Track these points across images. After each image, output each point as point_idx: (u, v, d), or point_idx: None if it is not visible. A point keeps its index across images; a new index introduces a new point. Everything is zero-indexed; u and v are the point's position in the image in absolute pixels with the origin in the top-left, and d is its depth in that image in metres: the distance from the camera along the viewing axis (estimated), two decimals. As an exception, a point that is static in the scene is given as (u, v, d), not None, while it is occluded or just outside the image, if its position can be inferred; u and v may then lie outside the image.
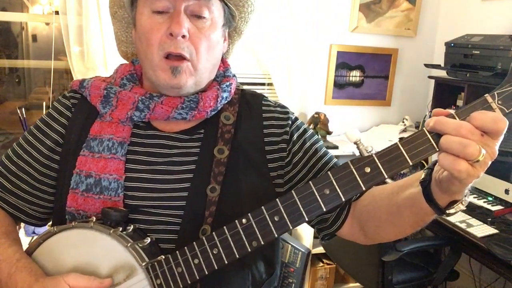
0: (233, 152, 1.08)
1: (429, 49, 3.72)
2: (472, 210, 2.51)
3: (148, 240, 0.98)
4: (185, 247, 0.93)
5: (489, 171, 2.55)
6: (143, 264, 0.94)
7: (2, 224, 1.11)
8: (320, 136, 3.23)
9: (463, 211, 2.43)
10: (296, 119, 1.18)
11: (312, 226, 1.15)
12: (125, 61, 1.23)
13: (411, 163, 0.78)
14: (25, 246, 1.08)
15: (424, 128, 0.77)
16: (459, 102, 3.24)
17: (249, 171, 1.09)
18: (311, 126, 3.30)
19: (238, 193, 1.06)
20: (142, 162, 1.07)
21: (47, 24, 3.45)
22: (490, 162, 0.75)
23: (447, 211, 0.84)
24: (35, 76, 3.59)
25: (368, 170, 0.81)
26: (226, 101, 1.13)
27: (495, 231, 2.26)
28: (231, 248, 0.90)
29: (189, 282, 0.93)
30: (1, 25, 3.41)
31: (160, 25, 1.01)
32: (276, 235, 0.88)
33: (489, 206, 2.51)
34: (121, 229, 0.97)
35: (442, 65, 3.16)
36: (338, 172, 0.83)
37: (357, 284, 3.08)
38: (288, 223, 0.87)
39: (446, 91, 3.25)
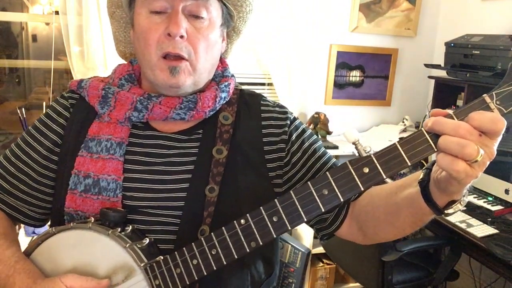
0: (231, 152, 1.08)
1: (429, 49, 3.72)
2: (472, 210, 2.51)
3: (146, 240, 0.97)
4: (184, 248, 0.93)
5: (489, 171, 2.54)
6: (142, 265, 0.94)
7: (0, 225, 1.11)
8: (320, 136, 3.25)
9: (463, 211, 2.43)
10: (295, 119, 1.18)
11: (311, 226, 1.14)
12: (124, 61, 1.23)
13: (409, 164, 0.78)
14: (25, 246, 1.08)
15: (422, 129, 0.77)
16: (459, 102, 3.24)
17: (248, 171, 1.09)
18: (311, 126, 3.30)
19: (236, 194, 1.06)
20: (141, 163, 1.07)
21: (47, 24, 3.45)
22: (488, 163, 0.75)
23: (446, 211, 0.83)
24: (35, 76, 3.59)
25: (366, 170, 0.81)
26: (224, 101, 1.13)
27: (495, 231, 2.26)
28: (230, 249, 0.90)
29: (187, 282, 0.93)
30: (1, 25, 3.42)
31: (158, 25, 1.01)
32: (274, 236, 0.88)
33: (489, 206, 2.51)
34: (119, 229, 0.97)
35: (442, 65, 3.16)
36: (337, 172, 0.83)
37: (357, 284, 3.08)
38: (287, 223, 0.87)
39: (446, 91, 3.25)
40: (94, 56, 2.83)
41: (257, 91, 1.25)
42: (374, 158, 0.80)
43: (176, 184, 1.05)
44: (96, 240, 0.97)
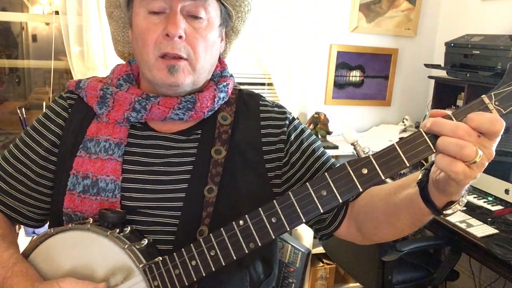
0: (230, 153, 1.08)
1: (429, 49, 3.71)
2: (472, 210, 2.50)
3: (145, 241, 0.97)
4: (182, 249, 0.93)
5: (489, 171, 2.54)
6: (141, 266, 0.94)
7: None
8: (320, 136, 3.25)
9: (463, 211, 2.43)
10: (294, 119, 1.17)
11: (310, 226, 1.14)
12: (122, 61, 1.23)
13: (408, 164, 0.77)
14: (25, 246, 1.08)
15: (421, 129, 0.77)
16: (459, 102, 3.24)
17: (247, 172, 1.08)
18: (311, 126, 3.30)
19: (235, 194, 1.06)
20: (139, 163, 1.07)
21: (47, 24, 3.45)
22: (487, 163, 0.74)
23: (444, 212, 0.83)
24: (35, 76, 3.59)
25: (365, 171, 0.80)
26: (223, 101, 1.13)
27: (495, 231, 2.26)
28: (228, 250, 0.90)
29: (186, 283, 0.93)
30: (1, 25, 3.42)
31: (156, 25, 1.01)
32: (273, 237, 0.88)
33: (489, 206, 2.51)
34: (118, 230, 0.97)
35: (442, 65, 3.16)
36: (335, 173, 0.83)
37: (357, 284, 3.08)
38: (286, 224, 0.86)
39: (446, 91, 3.25)
40: (94, 56, 2.83)
41: (257, 91, 1.24)
42: (372, 159, 0.80)
43: (175, 185, 1.05)
44: (95, 241, 0.97)
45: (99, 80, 1.16)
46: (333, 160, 1.14)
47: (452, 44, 3.05)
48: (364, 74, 3.62)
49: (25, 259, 1.05)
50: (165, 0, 1.00)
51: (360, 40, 3.53)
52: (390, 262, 2.43)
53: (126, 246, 0.94)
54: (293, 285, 1.75)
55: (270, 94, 3.45)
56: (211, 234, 0.92)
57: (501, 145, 0.74)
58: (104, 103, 1.09)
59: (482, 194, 2.65)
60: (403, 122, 3.62)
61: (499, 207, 2.50)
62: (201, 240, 0.92)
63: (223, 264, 0.91)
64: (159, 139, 1.09)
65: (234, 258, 0.90)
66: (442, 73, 3.20)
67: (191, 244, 0.93)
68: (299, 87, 3.34)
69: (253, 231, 0.88)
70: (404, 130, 3.55)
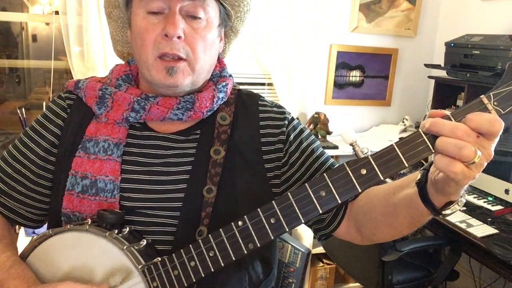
0: (229, 153, 1.08)
1: (429, 49, 3.71)
2: (472, 210, 2.50)
3: (144, 242, 0.97)
4: (181, 250, 0.93)
5: (489, 171, 2.54)
6: (139, 266, 0.94)
7: None
8: (320, 136, 3.25)
9: (463, 211, 2.43)
10: (293, 119, 1.17)
11: (309, 226, 1.14)
12: (122, 61, 1.23)
13: (407, 165, 0.77)
14: (25, 246, 1.08)
15: (420, 130, 0.77)
16: (459, 102, 3.24)
17: (246, 172, 1.08)
18: (311, 126, 3.30)
19: (234, 194, 1.06)
20: (138, 163, 1.07)
21: (47, 24, 3.45)
22: (486, 164, 0.74)
23: (443, 212, 0.83)
24: (35, 76, 3.59)
25: (364, 172, 0.80)
26: (222, 102, 1.13)
27: (495, 231, 2.26)
28: (227, 250, 0.90)
29: (185, 284, 0.93)
30: (1, 25, 3.42)
31: (155, 25, 1.01)
32: (272, 237, 0.88)
33: (489, 206, 2.51)
34: (116, 231, 0.96)
35: (442, 65, 3.15)
36: (334, 174, 0.83)
37: (357, 284, 3.08)
38: (284, 225, 0.86)
39: (446, 91, 3.25)
40: (94, 56, 2.84)
41: (257, 91, 1.24)
42: (371, 160, 0.80)
43: (174, 185, 1.05)
44: (93, 242, 0.97)
45: (98, 80, 1.16)
46: (332, 160, 1.14)
47: (452, 44, 3.05)
48: (364, 74, 3.62)
49: (24, 260, 1.05)
50: (163, 0, 1.00)
51: (360, 40, 3.52)
52: (390, 262, 2.43)
53: (125, 247, 0.94)
54: (293, 285, 1.74)
55: (270, 94, 3.45)
56: (210, 235, 0.91)
57: (501, 145, 0.74)
58: (103, 103, 1.09)
59: (482, 194, 2.65)
60: (403, 122, 3.62)
61: (499, 207, 2.50)
62: (200, 240, 0.92)
63: (222, 264, 0.91)
64: (158, 139, 1.09)
65: (233, 258, 0.90)
66: (442, 73, 3.19)
67: (190, 245, 0.93)
68: (299, 87, 3.34)
69: (252, 231, 0.88)
70: (404, 130, 3.55)
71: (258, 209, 0.88)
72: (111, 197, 1.03)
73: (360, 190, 0.81)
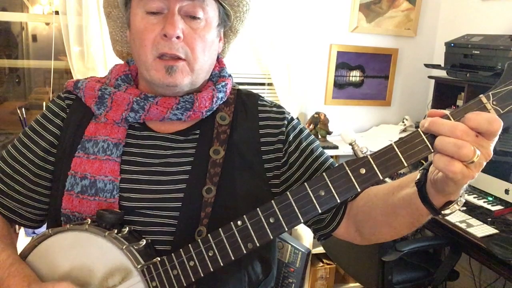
0: (228, 153, 1.08)
1: (429, 49, 3.71)
2: (472, 210, 2.50)
3: (143, 242, 0.97)
4: (181, 250, 0.93)
5: (489, 171, 2.54)
6: (139, 266, 0.94)
7: None
8: (320, 136, 3.25)
9: (463, 211, 2.43)
10: (292, 119, 1.17)
11: (308, 226, 1.14)
12: (121, 61, 1.23)
13: (406, 164, 0.77)
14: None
15: (419, 129, 0.77)
16: (459, 102, 3.24)
17: (245, 172, 1.08)
18: (311, 126, 3.30)
19: (234, 194, 1.06)
20: (138, 163, 1.07)
21: (47, 24, 3.45)
22: (485, 163, 0.74)
23: (443, 212, 0.83)
24: (35, 76, 3.58)
25: (363, 171, 0.80)
26: (221, 102, 1.13)
27: (495, 231, 2.26)
28: (227, 250, 0.90)
29: (184, 284, 0.93)
30: (1, 25, 3.41)
31: (154, 26, 1.00)
32: (271, 237, 0.88)
33: (489, 206, 2.51)
34: (116, 231, 0.97)
35: (442, 65, 3.15)
36: (333, 173, 0.83)
37: (357, 284, 3.08)
38: (284, 225, 0.86)
39: (446, 91, 3.25)
40: (94, 56, 2.83)
41: (257, 91, 1.24)
42: (370, 159, 0.80)
43: (173, 185, 1.05)
44: (93, 241, 0.97)
45: (97, 80, 1.16)
46: (331, 160, 1.14)
47: (452, 44, 3.05)
48: (364, 74, 3.61)
49: (23, 260, 1.05)
50: (163, 0, 1.00)
51: (360, 40, 3.52)
52: (390, 262, 2.43)
53: (124, 247, 0.94)
54: (293, 285, 1.74)
55: (270, 94, 3.45)
56: (209, 235, 0.91)
57: (501, 145, 0.74)
58: (102, 104, 1.09)
59: (482, 194, 2.65)
60: (403, 122, 3.62)
61: (499, 207, 2.50)
62: (199, 240, 0.92)
63: (222, 264, 0.91)
64: (158, 139, 1.09)
65: (233, 258, 0.90)
66: (442, 73, 3.19)
67: (189, 245, 0.93)
68: (299, 87, 3.33)
69: (251, 231, 0.88)
70: (404, 130, 3.55)
71: (258, 209, 0.88)
72: (110, 197, 1.03)
73: (359, 190, 0.81)
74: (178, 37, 0.99)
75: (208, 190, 1.03)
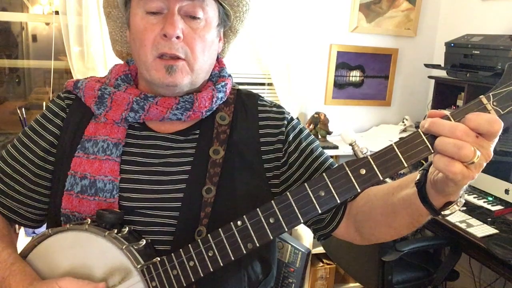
0: (228, 153, 1.08)
1: (429, 49, 3.71)
2: (472, 210, 2.50)
3: (143, 242, 0.97)
4: (180, 250, 0.93)
5: (489, 171, 2.53)
6: (138, 266, 0.94)
7: None
8: (320, 136, 3.24)
9: (463, 211, 2.43)
10: (292, 119, 1.17)
11: (308, 226, 1.14)
12: (121, 61, 1.23)
13: (406, 165, 0.77)
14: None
15: (419, 130, 0.77)
16: (459, 102, 3.24)
17: (245, 172, 1.08)
18: (311, 126, 3.30)
19: (233, 194, 1.06)
20: (137, 163, 1.07)
21: (47, 24, 3.45)
22: (485, 164, 0.74)
23: (442, 212, 0.83)
24: (35, 76, 3.58)
25: (363, 172, 0.80)
26: (221, 102, 1.13)
27: (495, 231, 2.26)
28: (227, 250, 0.90)
29: (184, 284, 0.93)
30: (1, 25, 3.41)
31: (154, 26, 1.00)
32: (271, 237, 0.88)
33: (489, 206, 2.51)
34: (116, 231, 0.97)
35: (442, 65, 3.15)
36: (333, 173, 0.83)
37: (357, 284, 3.08)
38: (284, 225, 0.86)
39: (446, 91, 3.25)
40: (94, 56, 2.83)
41: (257, 91, 1.24)
42: (370, 159, 0.80)
43: (173, 185, 1.05)
44: (93, 241, 0.97)
45: (97, 80, 1.16)
46: (331, 160, 1.14)
47: (452, 44, 3.05)
48: (364, 74, 3.61)
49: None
50: (162, 0, 1.00)
51: (360, 40, 3.52)
52: (390, 262, 2.43)
53: (124, 247, 0.94)
54: (293, 285, 1.74)
55: (270, 94, 3.45)
56: (209, 235, 0.91)
57: (501, 145, 0.74)
58: (102, 103, 1.09)
59: (482, 194, 2.65)
60: (403, 122, 3.62)
61: (499, 207, 2.50)
62: (199, 240, 0.92)
63: (221, 264, 0.91)
64: (157, 139, 1.09)
65: (232, 258, 0.90)
66: (442, 73, 3.19)
67: (189, 245, 0.93)
68: (299, 87, 3.33)
69: (251, 231, 0.88)
70: (404, 130, 3.55)
71: (257, 209, 0.88)
72: (110, 197, 1.03)
73: (359, 190, 0.81)
74: (178, 37, 0.99)
75: (208, 190, 1.03)
